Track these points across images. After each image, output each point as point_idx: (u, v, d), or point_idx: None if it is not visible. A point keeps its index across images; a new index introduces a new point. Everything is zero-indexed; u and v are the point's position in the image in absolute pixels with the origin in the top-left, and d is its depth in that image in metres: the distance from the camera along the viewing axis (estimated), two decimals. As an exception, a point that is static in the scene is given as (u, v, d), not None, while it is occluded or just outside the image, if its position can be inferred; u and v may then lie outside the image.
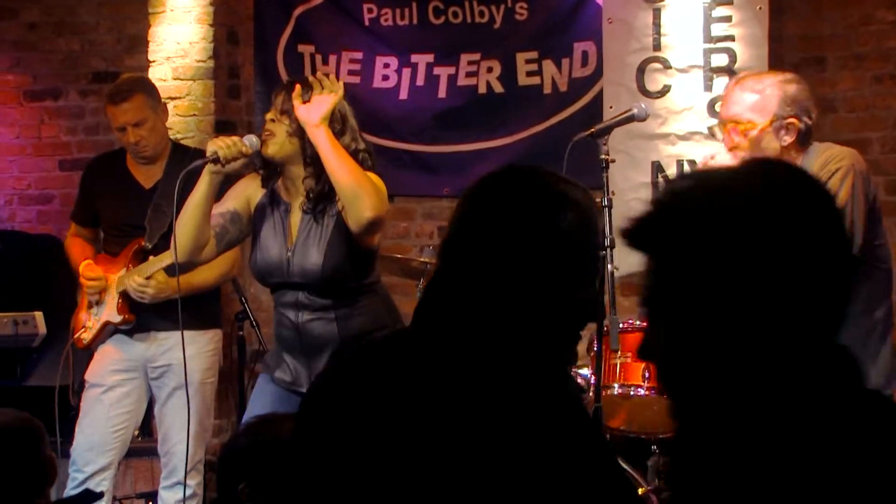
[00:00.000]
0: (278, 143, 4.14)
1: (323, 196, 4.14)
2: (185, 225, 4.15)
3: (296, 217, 4.20)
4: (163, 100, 5.42)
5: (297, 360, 4.22)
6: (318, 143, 4.03)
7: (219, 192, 4.24)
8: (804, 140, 3.90)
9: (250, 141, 4.13)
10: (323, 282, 4.11)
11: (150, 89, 5.30)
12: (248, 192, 4.29)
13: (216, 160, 4.07)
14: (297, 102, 4.07)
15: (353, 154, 4.13)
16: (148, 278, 5.00)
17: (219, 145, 4.08)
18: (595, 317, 2.24)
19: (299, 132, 4.11)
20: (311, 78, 4.12)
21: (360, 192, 4.00)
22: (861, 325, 3.87)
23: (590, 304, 2.19)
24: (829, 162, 3.84)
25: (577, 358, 2.22)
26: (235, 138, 4.12)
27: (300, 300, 4.17)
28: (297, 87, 4.10)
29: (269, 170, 4.23)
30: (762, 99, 3.85)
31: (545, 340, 2.10)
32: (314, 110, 4.05)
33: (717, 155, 3.92)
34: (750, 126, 3.84)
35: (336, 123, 4.12)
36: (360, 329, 4.15)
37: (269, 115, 4.18)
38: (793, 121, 3.85)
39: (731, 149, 3.89)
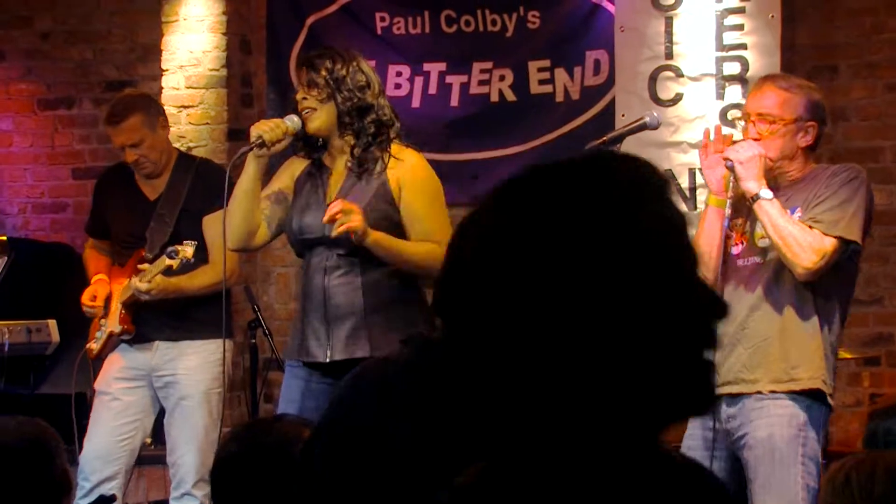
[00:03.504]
0: (320, 117, 4.16)
1: (366, 154, 4.16)
2: (235, 212, 4.16)
3: (338, 178, 4.21)
4: (165, 113, 5.42)
5: (318, 328, 4.16)
6: (376, 253, 4.08)
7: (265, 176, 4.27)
8: (816, 146, 4.07)
9: (292, 121, 4.13)
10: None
11: (146, 107, 5.27)
12: (292, 169, 4.30)
13: (261, 144, 4.08)
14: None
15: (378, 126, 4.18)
16: (149, 281, 5.02)
17: (262, 129, 4.08)
18: (720, 312, 1.42)
19: (331, 97, 4.13)
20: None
21: (433, 269, 4.05)
22: (840, 311, 4.06)
23: (699, 312, 1.40)
24: (843, 170, 4.02)
25: (712, 400, 1.43)
26: (277, 120, 4.13)
27: (329, 263, 4.15)
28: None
29: (313, 146, 4.25)
30: (791, 98, 3.99)
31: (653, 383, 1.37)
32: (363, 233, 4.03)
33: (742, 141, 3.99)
34: (775, 121, 3.95)
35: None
36: (385, 303, 4.15)
37: (298, 96, 4.19)
38: (813, 125, 3.99)
39: (753, 140, 3.99)
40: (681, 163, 6.32)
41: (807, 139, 3.99)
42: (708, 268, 4.17)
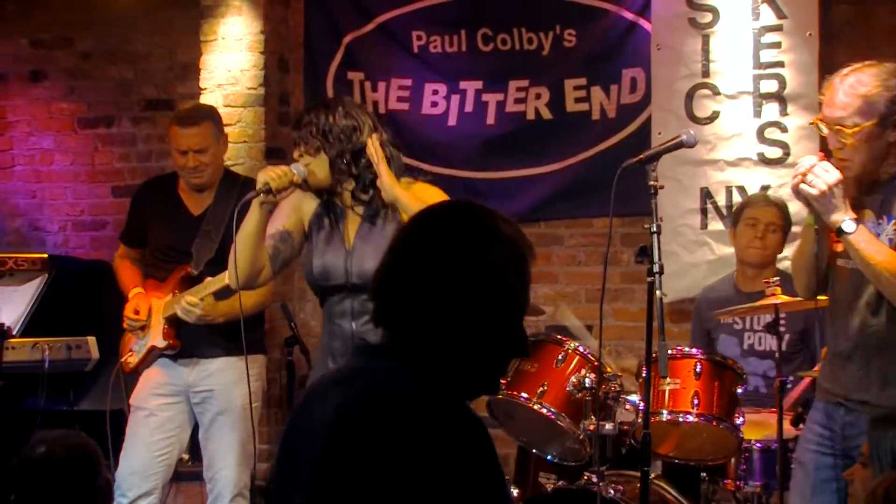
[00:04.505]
0: (314, 173, 4.19)
1: (371, 200, 4.19)
2: (240, 254, 4.19)
3: (353, 221, 4.24)
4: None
5: None
6: (405, 211, 4.09)
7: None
8: None
9: (298, 170, 4.16)
10: None
11: (217, 119, 5.38)
12: (300, 207, 4.33)
13: (268, 191, 4.11)
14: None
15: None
16: (201, 299, 5.05)
17: (270, 176, 4.11)
18: (520, 352, 2.32)
19: (320, 149, 4.16)
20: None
21: None
22: None
23: (515, 338, 2.29)
24: None
25: (498, 388, 2.30)
26: (285, 168, 4.15)
27: (356, 307, 4.18)
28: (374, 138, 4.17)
29: (320, 193, 4.28)
30: (867, 101, 3.79)
31: (468, 369, 2.25)
32: (383, 189, 4.13)
33: (817, 167, 3.83)
34: (856, 129, 3.79)
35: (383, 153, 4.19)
36: None
37: (295, 154, 4.24)
38: None
39: (837, 150, 3.85)
40: (717, 180, 6.31)
41: (895, 135, 3.81)
42: (799, 284, 4.13)
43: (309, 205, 4.32)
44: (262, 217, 4.17)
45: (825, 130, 3.88)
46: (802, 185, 3.83)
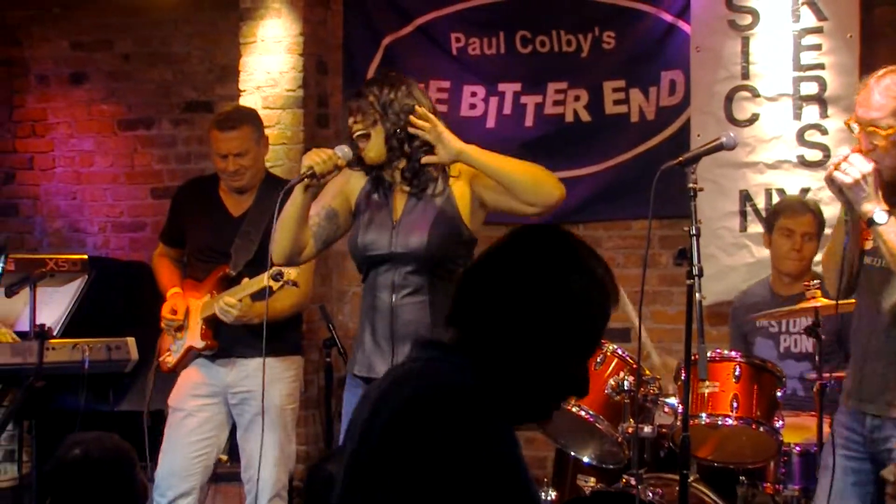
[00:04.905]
0: (374, 147, 4.20)
1: (417, 173, 4.20)
2: (281, 235, 4.21)
3: (400, 197, 4.24)
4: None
5: (383, 345, 4.17)
6: (474, 163, 4.12)
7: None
8: None
9: (343, 152, 4.17)
10: (426, 258, 4.12)
11: (257, 122, 5.38)
12: (347, 186, 4.34)
13: (312, 175, 4.12)
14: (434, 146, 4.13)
15: None
16: (239, 300, 5.06)
17: (314, 160, 4.12)
18: (578, 391, 2.28)
19: (376, 123, 4.18)
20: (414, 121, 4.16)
21: (538, 177, 4.12)
22: None
23: (576, 375, 2.25)
24: None
25: (549, 416, 2.28)
26: (330, 152, 4.16)
27: (396, 281, 4.18)
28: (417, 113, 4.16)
29: (371, 168, 4.29)
30: None
31: (522, 390, 2.22)
32: (444, 148, 4.12)
33: (851, 157, 3.83)
34: (890, 131, 3.78)
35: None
36: None
37: (349, 121, 4.24)
38: None
39: (868, 151, 3.83)
40: (757, 183, 6.28)
41: None
42: (829, 283, 4.11)
43: (356, 182, 4.33)
44: (305, 200, 4.18)
45: (857, 130, 3.86)
46: (836, 173, 3.82)
